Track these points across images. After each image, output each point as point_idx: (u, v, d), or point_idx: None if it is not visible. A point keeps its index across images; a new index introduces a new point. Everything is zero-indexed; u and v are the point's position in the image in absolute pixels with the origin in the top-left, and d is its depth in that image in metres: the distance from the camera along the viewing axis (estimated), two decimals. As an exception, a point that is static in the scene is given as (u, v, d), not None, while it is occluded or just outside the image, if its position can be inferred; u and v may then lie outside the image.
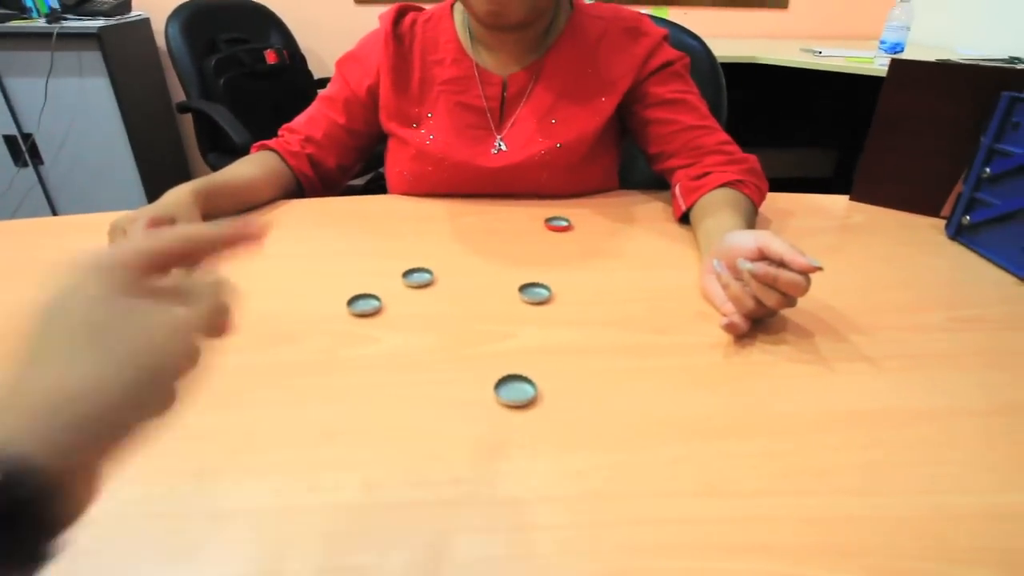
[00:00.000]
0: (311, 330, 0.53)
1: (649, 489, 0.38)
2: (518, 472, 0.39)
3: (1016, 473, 0.40)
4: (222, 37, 1.92)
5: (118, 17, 2.05)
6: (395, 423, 0.43)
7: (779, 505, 0.37)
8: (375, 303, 0.57)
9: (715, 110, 0.84)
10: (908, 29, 1.85)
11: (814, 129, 2.80)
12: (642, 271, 0.65)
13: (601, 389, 0.47)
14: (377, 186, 2.16)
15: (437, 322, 0.55)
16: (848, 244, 0.73)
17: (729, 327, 0.52)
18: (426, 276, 0.61)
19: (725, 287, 0.55)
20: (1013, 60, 1.81)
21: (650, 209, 0.82)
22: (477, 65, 0.81)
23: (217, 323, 0.30)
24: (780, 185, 0.80)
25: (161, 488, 0.38)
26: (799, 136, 2.81)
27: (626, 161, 0.93)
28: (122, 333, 0.24)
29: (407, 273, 0.62)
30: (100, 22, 1.95)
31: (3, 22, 1.90)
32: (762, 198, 0.76)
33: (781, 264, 0.50)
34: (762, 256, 0.52)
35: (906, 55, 1.87)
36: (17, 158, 2.08)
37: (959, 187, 0.74)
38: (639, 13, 0.83)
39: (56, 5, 2.00)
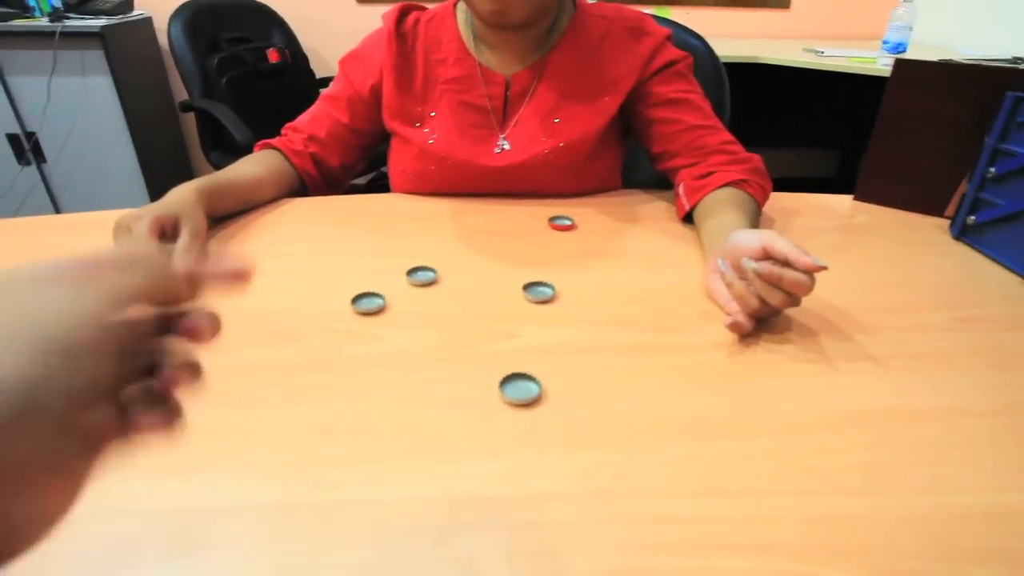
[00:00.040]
0: (315, 328, 0.54)
1: (653, 488, 0.38)
2: (523, 470, 0.39)
3: (1018, 474, 0.40)
4: (224, 36, 1.92)
5: (120, 16, 2.05)
6: (399, 421, 0.43)
7: (781, 504, 0.37)
8: (379, 301, 0.57)
9: (718, 110, 0.84)
10: (911, 29, 1.85)
11: (816, 129, 2.80)
12: (646, 270, 0.65)
13: (605, 388, 0.47)
14: (379, 185, 2.17)
15: (441, 320, 0.55)
16: (852, 244, 0.73)
17: (733, 326, 0.52)
18: (430, 275, 0.61)
19: (729, 286, 0.55)
20: (1017, 60, 1.81)
21: (653, 208, 0.82)
22: (480, 64, 0.81)
23: (166, 295, 0.23)
24: (783, 185, 0.80)
25: (164, 483, 0.38)
26: (801, 136, 2.81)
27: (629, 160, 0.93)
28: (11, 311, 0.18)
29: (411, 271, 0.62)
30: (103, 21, 1.95)
31: (6, 21, 1.91)
32: (766, 198, 0.76)
33: (786, 263, 0.50)
34: (766, 255, 0.52)
35: (908, 55, 1.87)
36: (20, 156, 2.09)
37: (963, 187, 0.74)
38: (642, 12, 0.83)
39: (59, 4, 2.00)
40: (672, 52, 0.81)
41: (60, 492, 0.20)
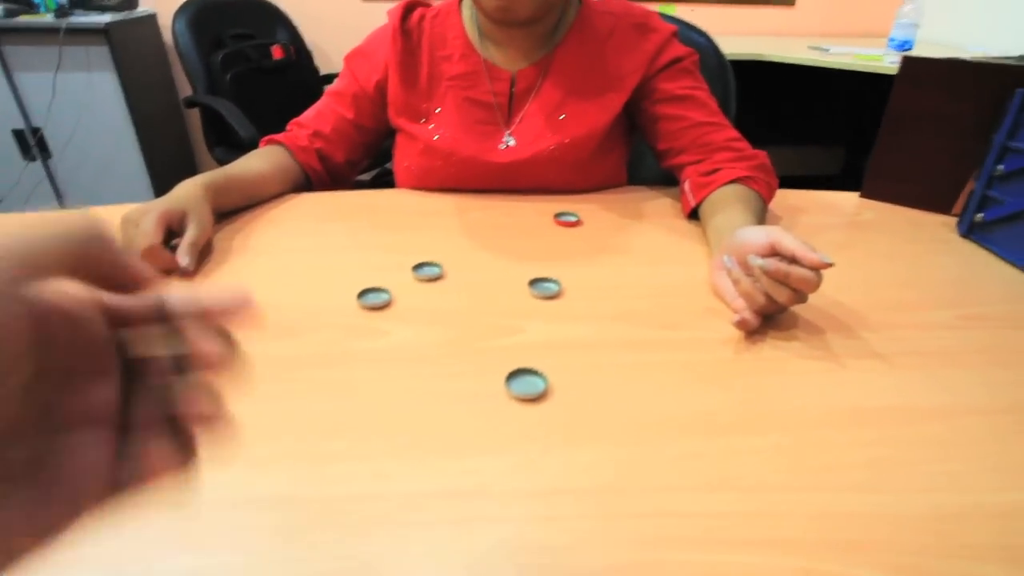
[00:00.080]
0: (321, 323, 0.54)
1: (659, 483, 0.38)
2: (530, 464, 0.39)
3: (1022, 472, 0.40)
4: (229, 33, 1.92)
5: (125, 12, 2.06)
6: (405, 415, 0.43)
7: (788, 500, 0.37)
8: (385, 296, 0.57)
9: (723, 106, 0.84)
10: (917, 26, 1.84)
11: (821, 127, 2.79)
12: (651, 267, 0.65)
13: (611, 383, 0.47)
14: (383, 181, 2.17)
15: (447, 316, 0.55)
16: (858, 241, 0.73)
17: (741, 324, 0.52)
18: (435, 270, 0.61)
19: (736, 283, 0.54)
20: None
21: (659, 205, 0.81)
22: (485, 61, 0.81)
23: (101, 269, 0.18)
24: (786, 183, 0.80)
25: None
26: (806, 134, 2.80)
27: (634, 157, 0.93)
28: None
29: (416, 267, 0.62)
30: (107, 17, 1.95)
31: (12, 17, 1.91)
32: (772, 194, 0.75)
33: (792, 260, 0.50)
34: (773, 252, 0.52)
35: (915, 53, 1.85)
36: (26, 152, 2.09)
37: (971, 184, 0.74)
38: (648, 9, 0.83)
39: (64, 0, 2.00)
40: (678, 48, 0.81)
41: None
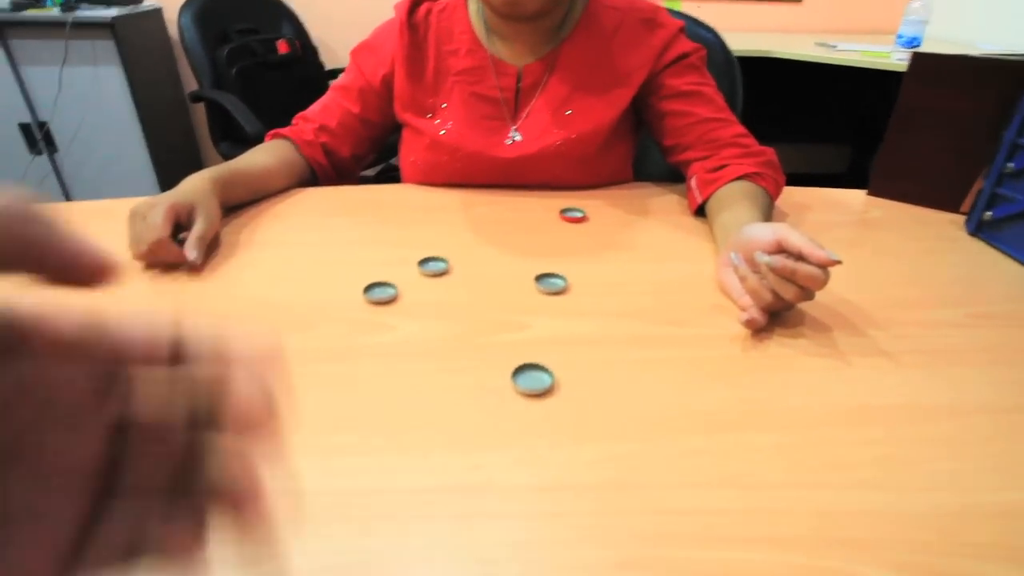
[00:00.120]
0: (327, 317, 0.54)
1: (665, 479, 0.38)
2: (536, 460, 0.39)
3: (1036, 470, 0.40)
4: (234, 27, 1.92)
5: (131, 7, 2.06)
6: (412, 410, 0.43)
7: (795, 498, 0.37)
8: (391, 291, 0.57)
9: (730, 103, 0.84)
10: (926, 23, 1.83)
11: (827, 125, 2.77)
12: (657, 263, 0.65)
13: (617, 379, 0.47)
14: (388, 177, 2.17)
15: (453, 311, 0.55)
16: (866, 239, 0.72)
17: (749, 323, 0.52)
18: (441, 265, 0.61)
19: (743, 280, 0.54)
20: (1033, 56, 1.78)
21: (665, 201, 0.81)
22: (492, 56, 0.80)
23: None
24: (792, 181, 0.79)
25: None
26: (812, 132, 2.79)
27: (639, 153, 0.93)
28: None
29: (423, 262, 0.62)
30: (113, 11, 1.96)
31: (19, 11, 1.91)
32: (779, 191, 0.75)
33: (799, 257, 0.50)
34: (780, 249, 0.52)
35: (924, 50, 1.85)
36: (32, 146, 2.10)
37: (980, 182, 0.73)
38: (655, 4, 0.82)
39: (70, -6, 2.01)
40: (685, 44, 0.80)
41: None
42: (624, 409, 0.44)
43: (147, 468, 0.15)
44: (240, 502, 0.16)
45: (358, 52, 0.86)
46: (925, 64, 0.75)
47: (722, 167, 0.74)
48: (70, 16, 1.89)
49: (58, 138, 2.11)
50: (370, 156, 0.92)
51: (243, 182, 0.75)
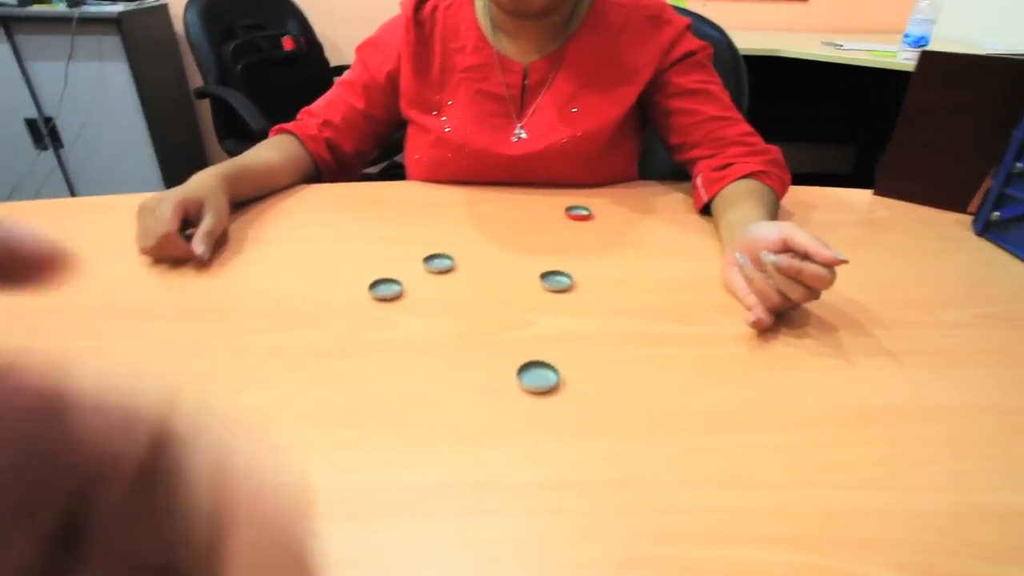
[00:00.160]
0: (333, 313, 0.54)
1: (670, 478, 0.38)
2: (541, 457, 0.39)
3: (1043, 471, 0.40)
4: (240, 23, 1.92)
5: (137, 2, 2.06)
6: (416, 406, 0.43)
7: (801, 497, 0.37)
8: (396, 288, 0.57)
9: (736, 101, 0.83)
10: (933, 23, 1.82)
11: (832, 125, 2.76)
12: (662, 261, 0.65)
13: (623, 377, 0.47)
14: (392, 174, 2.17)
15: (458, 308, 0.55)
16: (872, 239, 0.72)
17: (756, 323, 0.51)
18: (447, 262, 0.62)
19: (749, 281, 0.54)
20: (1041, 55, 1.77)
21: (670, 200, 0.81)
22: (498, 53, 0.80)
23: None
24: (797, 181, 0.79)
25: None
26: (818, 131, 2.77)
27: (644, 151, 0.93)
28: None
29: (428, 259, 0.62)
30: (119, 7, 1.96)
31: (25, 6, 1.92)
32: (785, 190, 0.75)
33: (805, 256, 0.50)
34: (786, 248, 0.52)
35: (930, 49, 1.84)
36: (38, 141, 2.11)
37: (988, 182, 0.73)
38: (662, 1, 0.82)
39: (76, -10, 2.01)
40: (692, 42, 0.80)
41: None
42: (629, 407, 0.44)
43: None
44: None
45: (363, 48, 0.86)
46: (933, 63, 0.74)
47: (728, 165, 0.74)
48: (76, 11, 1.89)
49: (63, 134, 2.11)
50: (373, 152, 0.92)
51: (251, 179, 0.75)
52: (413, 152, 0.87)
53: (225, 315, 0.53)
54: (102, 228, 0.69)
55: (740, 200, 0.68)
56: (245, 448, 0.12)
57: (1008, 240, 0.69)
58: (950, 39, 2.22)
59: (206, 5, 1.83)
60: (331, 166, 0.86)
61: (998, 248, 0.69)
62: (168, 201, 0.60)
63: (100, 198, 0.76)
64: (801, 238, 0.50)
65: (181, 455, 0.11)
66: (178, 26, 2.27)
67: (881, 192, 0.83)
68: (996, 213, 0.70)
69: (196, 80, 2.24)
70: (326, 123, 0.84)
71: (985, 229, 0.71)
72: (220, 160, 0.73)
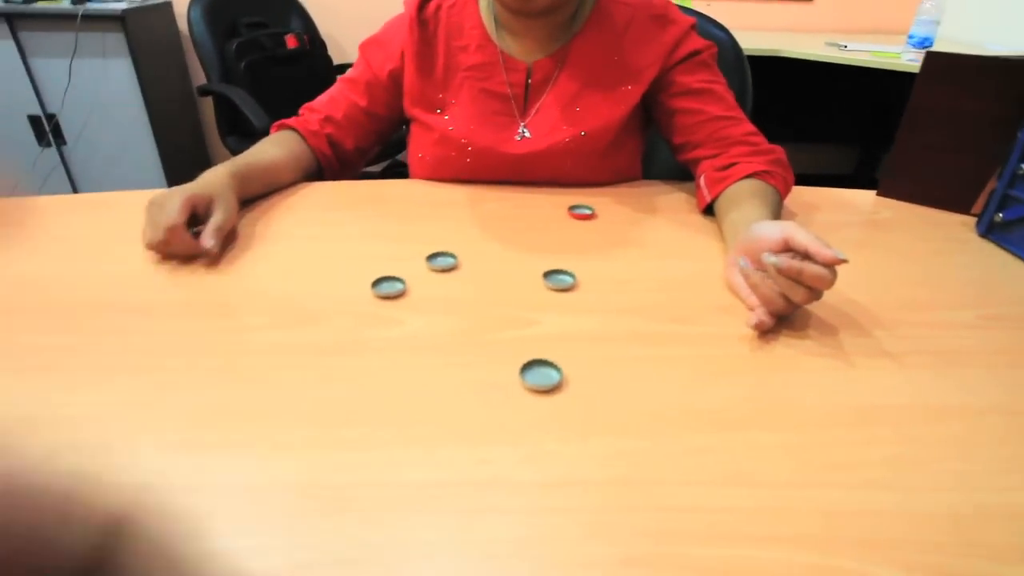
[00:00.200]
0: (336, 311, 0.54)
1: (674, 477, 0.38)
2: (543, 456, 0.39)
3: (1047, 472, 0.39)
4: (243, 21, 1.92)
5: (141, 0, 2.06)
6: (419, 404, 0.43)
7: (804, 496, 0.37)
8: (399, 286, 0.57)
9: (740, 101, 0.83)
10: (938, 24, 1.81)
11: (834, 125, 2.76)
12: (666, 261, 0.65)
13: (626, 376, 0.47)
14: (394, 173, 2.17)
15: (461, 306, 0.55)
16: (875, 240, 0.72)
17: (758, 326, 0.51)
18: (450, 260, 0.62)
19: (754, 287, 0.53)
20: (1046, 57, 1.77)
21: (673, 200, 0.81)
22: (502, 51, 0.80)
23: None
24: (799, 182, 0.79)
25: (185, 461, 0.38)
26: (820, 132, 2.77)
27: (648, 151, 0.93)
28: None
29: (431, 257, 0.62)
30: (123, 4, 1.96)
31: (29, 3, 1.92)
32: (788, 189, 0.75)
33: (806, 256, 0.50)
34: (787, 247, 0.51)
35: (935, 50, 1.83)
36: (41, 138, 2.11)
37: (992, 183, 0.73)
38: (667, 0, 0.82)
39: (80, -14, 2.02)
40: (697, 41, 0.80)
41: None
42: (631, 406, 0.44)
43: None
44: None
45: (367, 46, 0.86)
46: (938, 63, 0.74)
47: (731, 165, 0.74)
48: (80, 8, 1.90)
49: (66, 130, 2.12)
50: (374, 150, 0.92)
51: (258, 176, 0.75)
52: (416, 151, 0.87)
53: (227, 312, 0.53)
54: (104, 224, 0.69)
55: (743, 200, 0.67)
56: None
57: (1012, 242, 0.69)
58: (954, 40, 2.22)
59: (210, 3, 1.83)
60: (332, 163, 0.86)
61: (1002, 250, 0.69)
62: (177, 196, 0.60)
63: (102, 194, 0.76)
64: (802, 238, 0.50)
65: None
66: (182, 23, 2.27)
67: (884, 193, 0.83)
68: (1000, 215, 0.69)
69: (199, 77, 2.24)
70: (328, 119, 0.84)
71: (989, 231, 0.71)
72: (222, 157, 0.73)
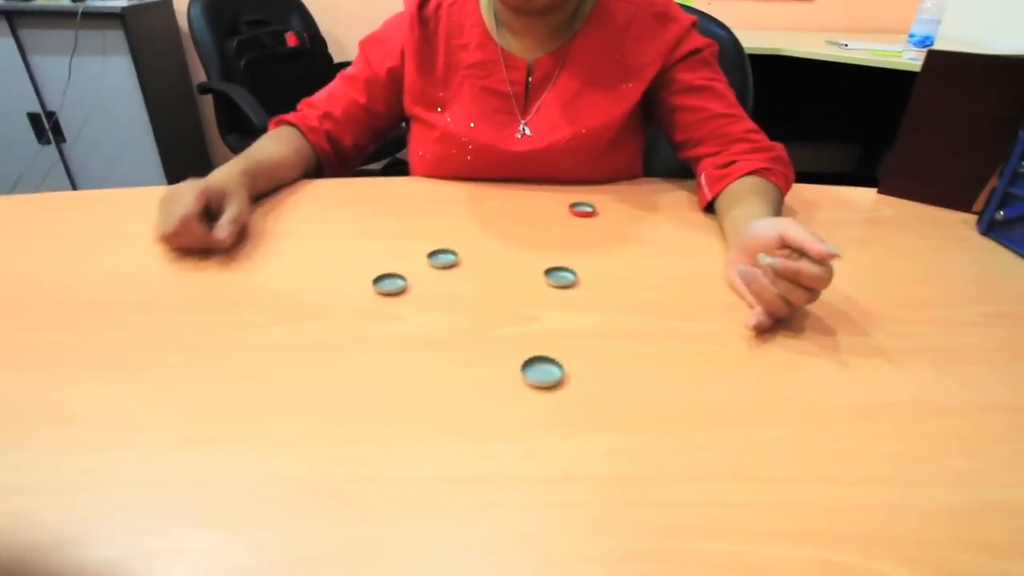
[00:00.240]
0: (337, 308, 0.54)
1: (676, 472, 0.38)
2: (545, 452, 0.39)
3: (1048, 469, 0.39)
4: (244, 19, 1.92)
5: (141, -3, 2.06)
6: (421, 401, 0.43)
7: (807, 492, 0.37)
8: (401, 283, 0.57)
9: (741, 100, 0.83)
10: (939, 23, 1.81)
11: (834, 124, 2.76)
12: (667, 258, 0.65)
13: (628, 373, 0.47)
14: (394, 171, 2.17)
15: (463, 303, 0.55)
16: (876, 237, 0.72)
17: (756, 327, 0.51)
18: (451, 257, 0.62)
19: (757, 296, 0.52)
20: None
21: (674, 197, 0.81)
22: (502, 49, 0.80)
23: None
24: (799, 180, 0.79)
25: (189, 456, 0.38)
26: (820, 130, 2.77)
27: (648, 149, 0.93)
28: None
29: (432, 254, 0.62)
30: (123, 2, 1.96)
31: (29, 0, 1.92)
32: (789, 186, 0.75)
33: (801, 252, 0.49)
34: (783, 244, 0.51)
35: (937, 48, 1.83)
36: (40, 135, 2.11)
37: (993, 181, 0.73)
38: (668, -2, 0.82)
39: (80, -16, 2.01)
40: (698, 39, 0.80)
41: None
42: (633, 402, 0.44)
43: None
44: None
45: (367, 43, 0.86)
46: (939, 62, 0.74)
47: (731, 163, 0.74)
48: (80, 6, 1.89)
49: (66, 128, 2.11)
50: (371, 147, 0.92)
51: (266, 174, 0.75)
52: (417, 149, 0.87)
53: (229, 309, 0.53)
54: (104, 222, 0.69)
55: (744, 197, 0.67)
56: None
57: (1013, 239, 0.69)
58: (955, 39, 2.22)
59: (210, 0, 1.83)
60: (331, 159, 0.86)
61: (1003, 247, 0.69)
62: (191, 188, 0.60)
63: (102, 192, 0.76)
64: (796, 234, 0.50)
65: None
66: (182, 21, 2.27)
67: (885, 191, 0.83)
68: (1001, 212, 0.69)
69: (199, 75, 2.24)
70: (326, 115, 0.84)
71: (990, 228, 0.71)
72: (222, 155, 0.73)
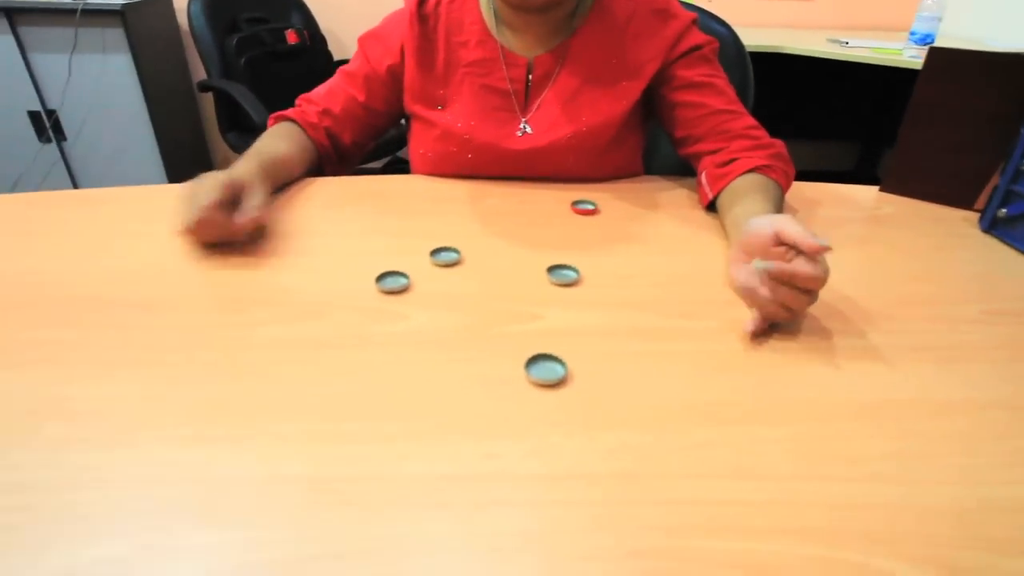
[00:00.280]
0: (340, 306, 0.54)
1: (678, 470, 0.38)
2: (548, 449, 0.39)
3: (1051, 466, 0.39)
4: (244, 16, 1.92)
5: (141, -6, 2.06)
6: (424, 399, 0.43)
7: (809, 490, 0.37)
8: (403, 280, 0.57)
9: (741, 97, 0.83)
10: (940, 20, 1.81)
11: (835, 122, 2.75)
12: (668, 256, 0.65)
13: (630, 371, 0.47)
14: (395, 169, 2.17)
15: (465, 301, 0.55)
16: (878, 235, 0.72)
17: (754, 333, 0.51)
18: (454, 255, 0.61)
19: (761, 308, 0.52)
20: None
21: (675, 195, 0.81)
22: (502, 47, 0.80)
23: None
24: (799, 178, 0.79)
25: (191, 454, 0.38)
26: (821, 128, 2.77)
27: (649, 146, 0.93)
28: None
29: (434, 252, 0.62)
30: (123, -1, 1.96)
31: (28, -3, 1.92)
32: (789, 183, 0.75)
33: (798, 250, 0.49)
34: (779, 241, 0.51)
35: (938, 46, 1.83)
36: (41, 133, 2.10)
37: (995, 179, 0.73)
38: (668, -5, 0.82)
39: (80, -19, 2.01)
40: (698, 36, 0.80)
41: None
42: (636, 400, 0.44)
43: None
44: None
45: (366, 40, 0.85)
46: (941, 59, 0.74)
47: (732, 161, 0.74)
48: (80, 3, 1.89)
49: (66, 126, 2.11)
50: (370, 145, 0.92)
51: (278, 171, 0.75)
52: (417, 147, 0.86)
53: (230, 307, 0.53)
54: (104, 220, 0.69)
55: (745, 195, 0.67)
56: None
57: (1015, 237, 0.69)
58: (956, 37, 2.21)
59: (210, -2, 1.82)
60: (331, 154, 0.86)
61: (1005, 245, 0.69)
62: (215, 179, 0.60)
63: (102, 190, 0.76)
64: (791, 230, 0.50)
65: None
66: (182, 19, 2.26)
67: (887, 189, 0.83)
68: (1003, 210, 0.69)
69: (199, 73, 2.23)
70: (325, 112, 0.84)
71: (992, 226, 0.71)
72: (223, 153, 0.73)
